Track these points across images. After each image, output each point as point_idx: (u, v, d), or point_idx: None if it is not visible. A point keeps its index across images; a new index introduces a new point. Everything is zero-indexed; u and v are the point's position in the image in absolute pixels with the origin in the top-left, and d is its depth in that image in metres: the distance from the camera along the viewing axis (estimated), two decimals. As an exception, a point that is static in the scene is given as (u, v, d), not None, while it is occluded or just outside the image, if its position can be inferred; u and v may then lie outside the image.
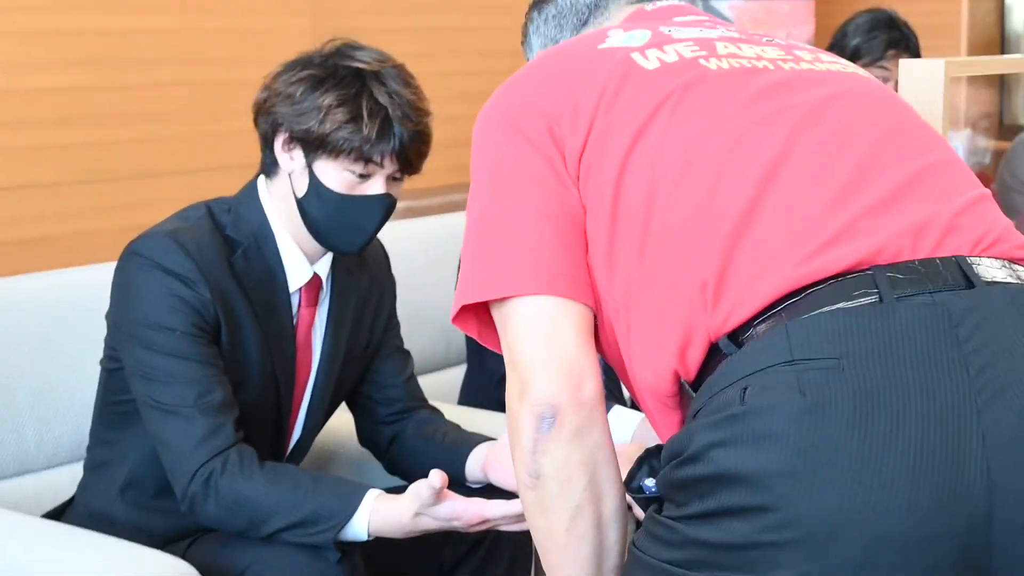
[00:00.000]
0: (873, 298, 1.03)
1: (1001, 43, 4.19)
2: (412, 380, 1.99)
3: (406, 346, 2.01)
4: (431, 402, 2.01)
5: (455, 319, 1.19)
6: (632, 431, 2.07)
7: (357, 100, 1.67)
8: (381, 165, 1.70)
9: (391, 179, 1.73)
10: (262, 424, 1.80)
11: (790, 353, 1.01)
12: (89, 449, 1.87)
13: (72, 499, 1.89)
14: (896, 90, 2.78)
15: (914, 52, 2.79)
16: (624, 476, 1.17)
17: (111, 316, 1.77)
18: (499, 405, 2.21)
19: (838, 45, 2.77)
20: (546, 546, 1.15)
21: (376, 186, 1.72)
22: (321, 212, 1.72)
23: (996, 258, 1.09)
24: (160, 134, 2.71)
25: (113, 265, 1.78)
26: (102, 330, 1.81)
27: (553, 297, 1.12)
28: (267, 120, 1.73)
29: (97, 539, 1.68)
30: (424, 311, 2.44)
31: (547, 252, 1.13)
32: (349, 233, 1.74)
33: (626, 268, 1.13)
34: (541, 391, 1.10)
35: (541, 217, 1.14)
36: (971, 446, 0.97)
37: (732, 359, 1.06)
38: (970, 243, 1.09)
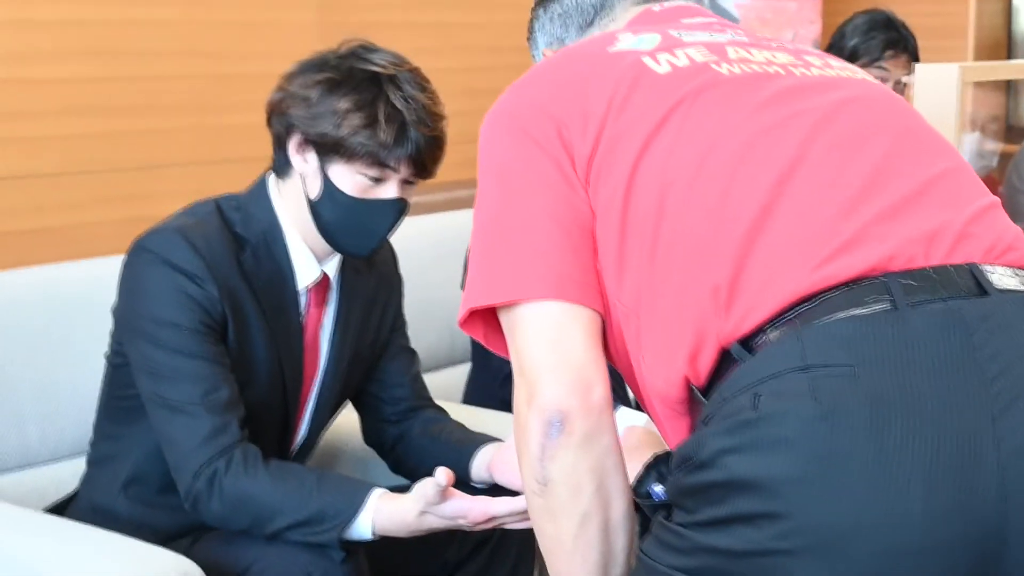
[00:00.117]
0: (887, 305, 1.02)
1: (1008, 45, 4.19)
2: (418, 379, 1.99)
3: (411, 344, 2.00)
4: (436, 400, 2.00)
5: (462, 324, 1.18)
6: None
7: (374, 105, 1.67)
8: (396, 170, 1.69)
9: (404, 183, 1.72)
10: (268, 422, 1.79)
11: (803, 359, 1.00)
12: (93, 444, 1.87)
13: (75, 493, 1.88)
14: (901, 92, 2.79)
15: (912, 53, 2.80)
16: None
17: (118, 311, 1.77)
18: (504, 404, 2.23)
19: (836, 46, 2.78)
20: (554, 552, 1.15)
21: (390, 190, 1.71)
22: (334, 215, 1.72)
23: (1008, 266, 1.09)
24: (163, 126, 2.70)
25: (116, 257, 1.78)
26: (106, 323, 1.80)
27: (562, 302, 1.11)
28: (281, 121, 1.72)
29: (100, 535, 1.67)
30: (429, 309, 2.43)
31: (556, 256, 1.13)
32: (361, 236, 1.74)
33: (636, 273, 1.12)
34: (549, 396, 1.09)
35: (550, 220, 1.13)
36: (986, 453, 0.97)
37: (744, 365, 1.05)
38: (982, 251, 1.08)
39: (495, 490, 1.77)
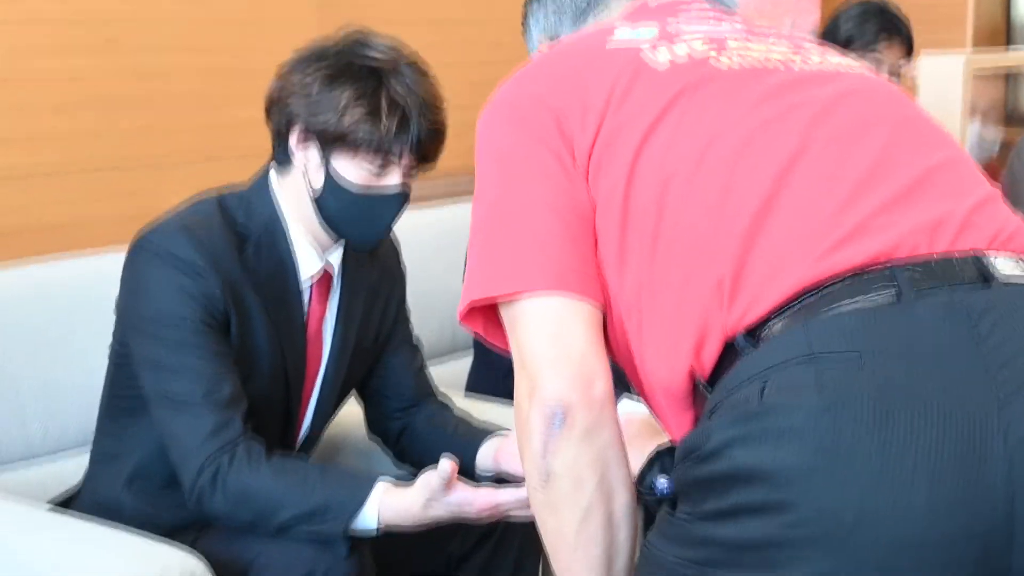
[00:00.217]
0: (891, 295, 1.02)
1: (1007, 34, 4.17)
2: (422, 372, 1.98)
3: (415, 335, 2.00)
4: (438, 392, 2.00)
5: (462, 318, 1.17)
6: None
7: (375, 96, 1.66)
8: (399, 160, 1.69)
9: (406, 172, 1.72)
10: (272, 416, 1.78)
11: (809, 350, 1.00)
12: (96, 440, 1.86)
13: (78, 489, 1.87)
14: (896, 79, 2.78)
15: (907, 39, 2.80)
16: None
17: (120, 308, 1.76)
18: (507, 395, 2.22)
19: (830, 33, 2.77)
20: (556, 546, 1.14)
21: (393, 180, 1.71)
22: (337, 207, 1.71)
23: (1011, 256, 1.08)
24: (164, 121, 2.69)
25: (118, 252, 1.77)
26: (108, 319, 1.79)
27: (562, 295, 1.11)
28: (281, 114, 1.71)
29: (104, 530, 1.67)
30: (430, 300, 2.42)
31: (556, 248, 1.12)
32: (365, 227, 1.74)
33: (637, 266, 1.12)
34: (551, 390, 1.08)
35: (550, 212, 1.13)
36: (992, 443, 0.96)
37: (749, 357, 1.04)
38: (985, 240, 1.08)
39: (499, 482, 1.76)
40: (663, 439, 1.24)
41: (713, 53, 1.18)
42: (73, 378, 1.98)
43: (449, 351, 2.57)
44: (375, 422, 1.99)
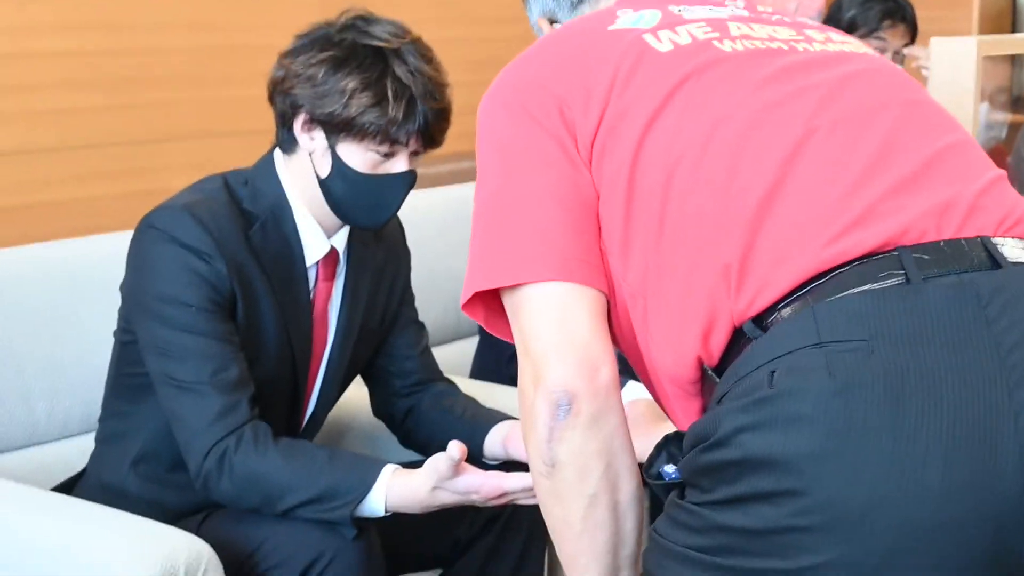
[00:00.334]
0: (900, 279, 1.02)
1: (1013, 16, 4.15)
2: (427, 353, 1.98)
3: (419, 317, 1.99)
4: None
5: (465, 306, 1.17)
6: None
7: (381, 82, 1.65)
8: (406, 144, 1.68)
9: (412, 154, 1.71)
10: (278, 398, 1.78)
11: (818, 335, 1.00)
12: (101, 421, 1.85)
13: (83, 471, 1.87)
14: (900, 63, 2.76)
15: (911, 23, 2.78)
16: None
17: (126, 290, 1.75)
18: (512, 380, 2.19)
19: (834, 17, 2.75)
20: (562, 534, 1.14)
21: (400, 163, 1.70)
22: (345, 192, 1.71)
23: (1019, 239, 1.08)
24: (166, 99, 2.67)
25: (122, 233, 1.76)
26: (113, 300, 1.78)
27: (566, 283, 1.10)
28: (285, 100, 1.70)
29: (109, 513, 1.66)
30: (435, 282, 2.41)
31: (559, 236, 1.11)
32: (373, 211, 1.73)
33: (642, 253, 1.11)
34: (556, 378, 1.08)
35: (552, 200, 1.12)
36: (1003, 427, 0.96)
37: (758, 343, 1.04)
38: (993, 223, 1.08)
39: (507, 467, 1.76)
40: (669, 424, 1.23)
41: (716, 37, 1.17)
42: (79, 360, 1.97)
43: (453, 335, 2.56)
44: (380, 403, 1.98)
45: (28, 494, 1.73)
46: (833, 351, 0.98)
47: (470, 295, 1.14)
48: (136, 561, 1.52)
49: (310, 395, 1.85)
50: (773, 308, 1.05)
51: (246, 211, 1.72)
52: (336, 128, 1.66)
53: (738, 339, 1.07)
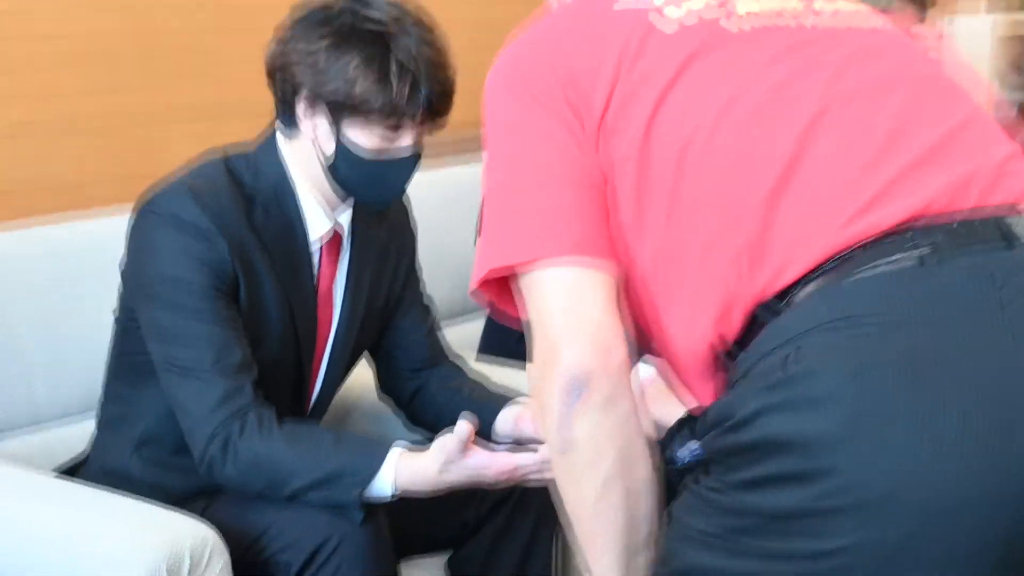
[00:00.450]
0: (915, 259, 1.01)
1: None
2: (434, 333, 1.96)
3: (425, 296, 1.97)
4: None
5: (474, 290, 1.16)
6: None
7: (384, 61, 1.62)
8: (411, 124, 1.66)
9: (418, 133, 1.69)
10: (282, 381, 1.76)
11: (835, 316, 0.99)
12: (103, 405, 1.83)
13: (86, 456, 1.85)
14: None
15: (919, 1, 2.73)
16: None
17: (126, 273, 1.73)
18: (521, 358, 2.18)
19: None
20: (577, 515, 1.14)
21: (405, 143, 1.68)
22: (351, 174, 1.69)
23: None
24: (168, 76, 2.64)
25: (123, 212, 1.74)
26: (115, 280, 1.76)
27: (578, 263, 1.10)
28: (285, 82, 1.68)
29: (113, 498, 1.65)
30: (441, 260, 2.39)
31: (570, 217, 1.11)
32: (380, 191, 1.72)
33: (655, 234, 1.10)
34: (570, 359, 1.08)
35: (561, 181, 1.11)
36: (1020, 409, 0.95)
37: (775, 324, 1.03)
38: (1010, 202, 1.06)
39: (517, 448, 1.72)
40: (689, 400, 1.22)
41: (723, 14, 1.15)
42: (80, 341, 1.95)
43: (460, 313, 2.55)
44: (387, 383, 1.96)
45: (30, 480, 1.72)
46: (850, 332, 0.98)
47: (483, 274, 1.14)
48: (140, 547, 1.51)
49: (315, 377, 1.83)
50: (790, 289, 1.04)
51: (247, 191, 1.70)
52: (339, 110, 1.65)
53: (755, 320, 1.06)
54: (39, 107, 2.45)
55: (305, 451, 1.62)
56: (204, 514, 1.64)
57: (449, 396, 1.88)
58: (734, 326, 1.07)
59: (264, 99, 1.77)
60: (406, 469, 1.61)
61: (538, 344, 1.10)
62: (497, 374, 1.99)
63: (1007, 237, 1.03)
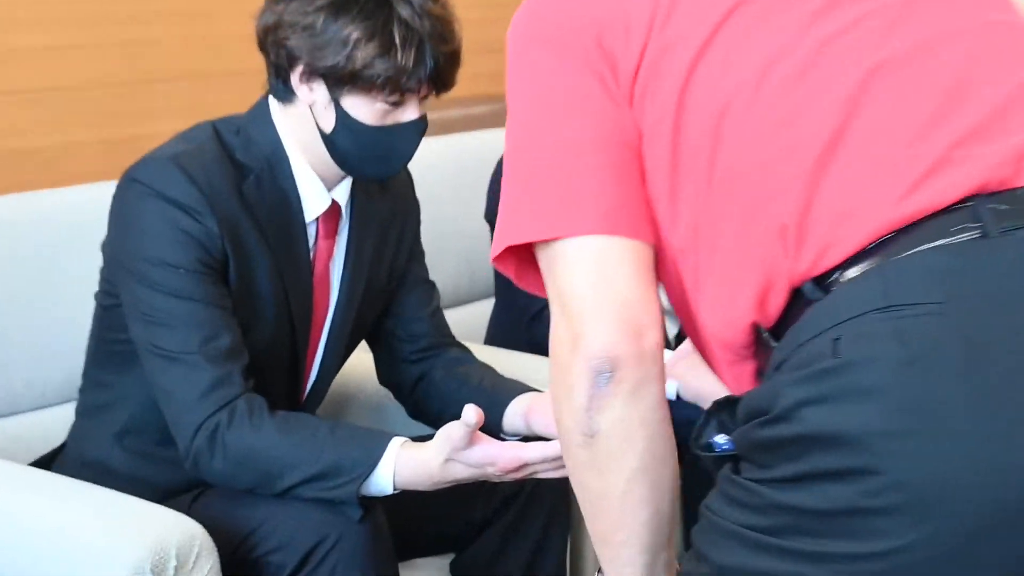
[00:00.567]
0: (976, 233, 0.99)
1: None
2: (438, 314, 1.95)
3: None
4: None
5: (496, 259, 1.14)
6: (676, 381, 2.05)
7: (387, 28, 1.61)
8: (417, 92, 1.65)
9: (422, 99, 1.68)
10: (276, 367, 1.76)
11: (886, 298, 0.97)
12: (82, 391, 1.83)
13: (63, 446, 1.85)
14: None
15: None
16: None
17: (108, 250, 1.72)
18: (531, 345, 2.20)
19: None
20: (599, 507, 1.12)
21: (410, 111, 1.68)
22: (352, 146, 1.68)
23: None
24: (150, 38, 2.63)
25: (103, 182, 1.75)
26: (95, 257, 1.75)
27: (609, 235, 1.07)
28: (279, 51, 1.66)
29: (95, 491, 1.65)
30: (446, 238, 2.39)
31: (601, 184, 1.08)
32: (383, 163, 1.71)
33: (691, 206, 1.08)
34: (599, 342, 1.06)
35: (592, 144, 1.09)
36: None
37: (819, 306, 1.01)
38: None
39: (526, 441, 1.72)
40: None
41: None
42: (58, 323, 1.95)
43: (467, 297, 2.54)
44: (387, 370, 1.95)
45: (3, 471, 1.72)
46: (903, 315, 0.96)
47: (501, 249, 1.12)
48: (122, 544, 1.51)
49: (311, 364, 1.83)
50: (836, 269, 1.02)
51: (239, 163, 1.69)
52: (339, 80, 1.63)
53: (797, 301, 1.04)
54: (8, 68, 2.45)
55: (299, 443, 1.62)
56: (191, 509, 1.64)
57: (455, 385, 1.87)
58: (772, 308, 1.06)
59: (251, 60, 1.75)
60: (407, 462, 1.61)
61: (561, 322, 1.09)
62: (506, 363, 1.97)
63: None
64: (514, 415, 1.80)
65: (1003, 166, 1.02)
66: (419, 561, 1.90)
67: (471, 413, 1.56)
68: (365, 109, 1.65)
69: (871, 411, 0.95)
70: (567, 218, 1.08)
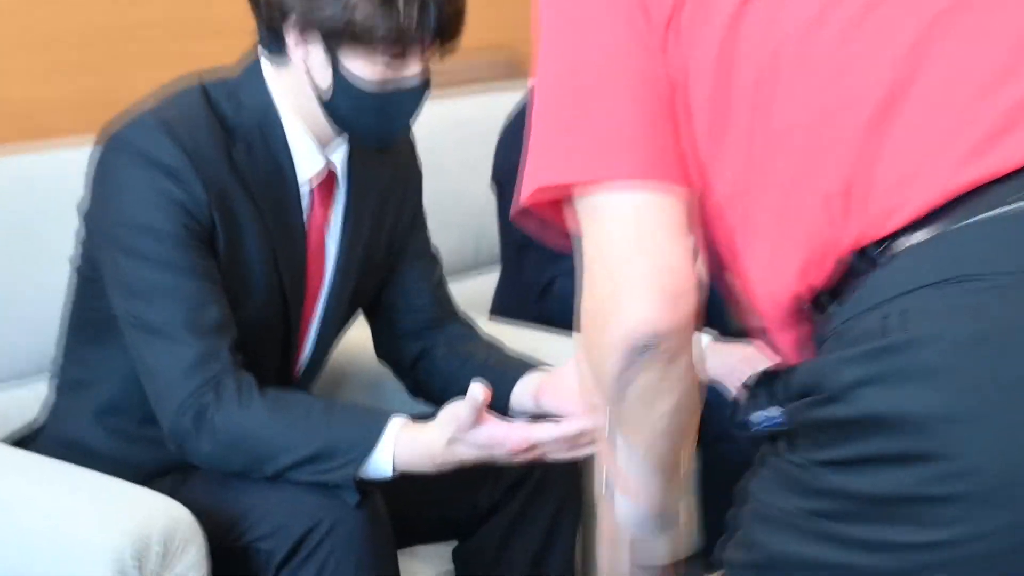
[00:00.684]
0: None
1: None
2: (442, 287, 1.96)
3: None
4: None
5: (516, 214, 1.15)
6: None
7: None
8: (420, 49, 1.65)
9: (425, 57, 1.68)
10: (267, 343, 1.76)
11: (952, 268, 0.97)
12: (60, 366, 1.84)
13: (41, 424, 1.86)
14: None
15: None
16: None
17: (88, 215, 1.72)
18: (541, 319, 2.20)
19: None
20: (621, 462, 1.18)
21: (412, 70, 1.67)
22: (352, 109, 1.68)
23: None
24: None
25: (83, 145, 1.73)
26: (74, 223, 1.75)
27: (648, 187, 1.08)
28: (271, 7, 1.66)
29: (74, 472, 1.65)
30: (449, 205, 2.39)
31: (637, 129, 1.09)
32: (384, 127, 1.72)
33: (735, 160, 1.08)
34: (638, 316, 1.07)
35: (627, 88, 1.09)
36: None
37: (875, 277, 1.02)
38: None
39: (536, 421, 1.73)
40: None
41: None
42: (34, 293, 1.95)
43: (471, 267, 2.55)
44: (386, 345, 1.96)
45: (-23, 450, 1.73)
46: (971, 288, 0.96)
47: (531, 193, 1.12)
48: (103, 529, 1.52)
49: (305, 339, 1.83)
50: (894, 235, 1.02)
51: (228, 124, 1.69)
52: (336, 38, 1.63)
53: (851, 269, 1.04)
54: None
55: (292, 423, 1.62)
56: (175, 493, 1.63)
57: (459, 362, 1.87)
58: (824, 274, 1.05)
59: (238, 15, 1.74)
60: (408, 443, 1.61)
61: (597, 283, 1.09)
62: (514, 339, 1.98)
63: None
64: (523, 394, 1.80)
65: None
66: (420, 549, 1.91)
67: (478, 390, 1.56)
68: (364, 68, 1.65)
69: (935, 393, 0.95)
70: (604, 162, 1.08)
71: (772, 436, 1.08)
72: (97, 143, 1.71)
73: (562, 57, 1.13)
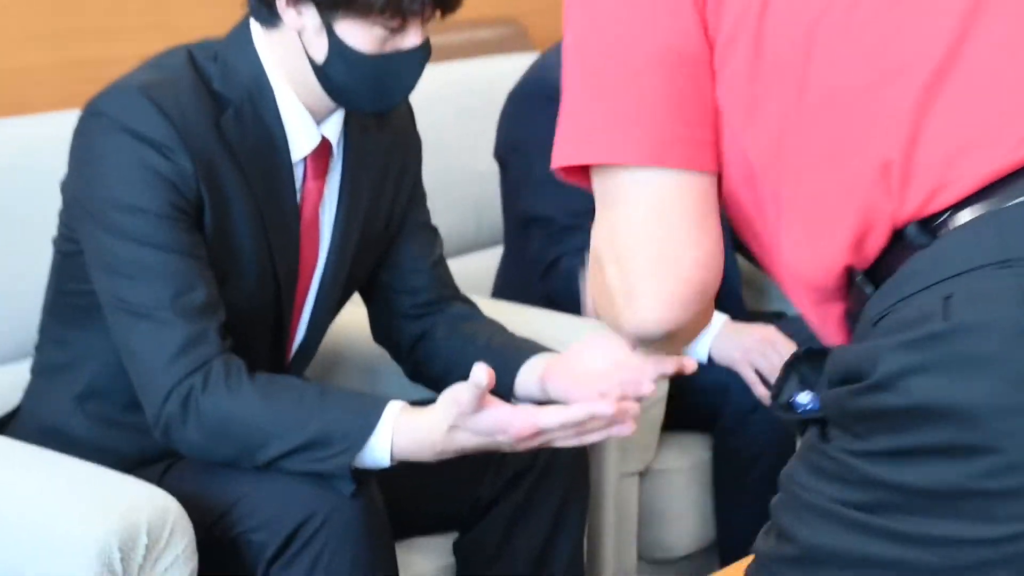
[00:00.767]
0: None
1: None
2: (441, 265, 1.96)
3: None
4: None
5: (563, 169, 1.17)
6: (708, 342, 2.07)
7: None
8: (420, 14, 1.64)
9: (426, 24, 1.67)
10: (258, 325, 1.76)
11: (1006, 251, 0.98)
12: (39, 349, 1.84)
13: (17, 409, 1.86)
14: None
15: None
16: None
17: (68, 191, 1.72)
18: (544, 300, 2.20)
19: None
20: None
21: (412, 36, 1.67)
22: (348, 77, 1.68)
23: None
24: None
25: (59, 112, 1.75)
26: (52, 197, 1.75)
27: (668, 171, 1.09)
28: None
29: (54, 460, 1.65)
30: (449, 179, 2.39)
31: (658, 109, 1.09)
32: (382, 95, 1.71)
33: (772, 126, 1.08)
34: (655, 316, 1.09)
35: (656, 62, 1.09)
36: None
37: (926, 254, 1.02)
38: None
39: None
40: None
41: None
42: (12, 271, 1.95)
43: (473, 245, 2.55)
44: (384, 327, 1.96)
45: (-47, 437, 1.73)
46: (1020, 273, 0.96)
47: (557, 167, 1.14)
48: (87, 519, 1.52)
49: (297, 321, 1.83)
50: (946, 211, 1.02)
51: (217, 94, 1.69)
52: (332, 6, 1.63)
53: (899, 244, 1.05)
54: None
55: (283, 409, 1.62)
56: (162, 482, 1.64)
57: (461, 344, 1.87)
58: (870, 251, 1.06)
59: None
60: (407, 429, 1.61)
61: (614, 267, 1.10)
62: (517, 320, 1.98)
63: None
64: (528, 379, 1.80)
65: None
66: (419, 541, 1.91)
67: (481, 373, 1.55)
68: (361, 35, 1.64)
69: (987, 383, 0.95)
70: (619, 145, 1.09)
71: (803, 423, 1.08)
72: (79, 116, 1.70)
73: (583, 19, 1.13)
